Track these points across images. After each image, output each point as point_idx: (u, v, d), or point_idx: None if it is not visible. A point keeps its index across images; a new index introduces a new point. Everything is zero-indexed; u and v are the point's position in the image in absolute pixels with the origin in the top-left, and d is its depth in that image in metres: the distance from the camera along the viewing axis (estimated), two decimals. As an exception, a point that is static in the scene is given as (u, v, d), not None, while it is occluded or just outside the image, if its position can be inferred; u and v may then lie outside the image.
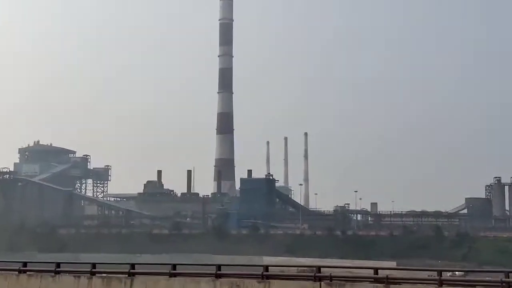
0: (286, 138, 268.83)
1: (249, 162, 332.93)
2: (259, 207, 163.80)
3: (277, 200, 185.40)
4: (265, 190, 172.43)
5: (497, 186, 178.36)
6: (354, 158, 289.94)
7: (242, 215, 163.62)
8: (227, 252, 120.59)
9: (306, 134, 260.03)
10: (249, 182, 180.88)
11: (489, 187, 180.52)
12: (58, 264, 25.64)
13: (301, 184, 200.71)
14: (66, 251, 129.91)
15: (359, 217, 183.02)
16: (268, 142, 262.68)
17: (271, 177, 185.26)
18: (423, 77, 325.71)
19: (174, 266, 23.55)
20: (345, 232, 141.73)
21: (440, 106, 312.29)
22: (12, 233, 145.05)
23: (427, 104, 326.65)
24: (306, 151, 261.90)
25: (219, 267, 22.71)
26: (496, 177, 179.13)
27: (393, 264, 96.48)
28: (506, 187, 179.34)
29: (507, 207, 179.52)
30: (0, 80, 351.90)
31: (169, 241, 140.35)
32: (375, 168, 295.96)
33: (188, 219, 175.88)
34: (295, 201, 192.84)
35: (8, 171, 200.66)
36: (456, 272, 69.03)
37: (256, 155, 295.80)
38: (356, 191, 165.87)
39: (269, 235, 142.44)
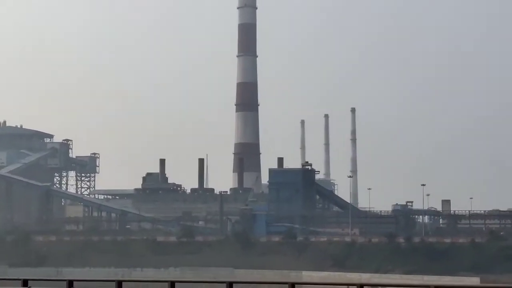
0: (327, 116, 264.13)
1: (279, 148, 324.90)
2: (295, 207, 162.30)
3: (317, 197, 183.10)
4: (301, 184, 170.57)
5: None
6: (418, 144, 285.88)
7: (272, 218, 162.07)
8: (254, 266, 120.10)
9: (353, 110, 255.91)
10: (280, 174, 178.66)
11: None
12: (25, 282, 23.81)
13: (350, 176, 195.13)
14: (45, 265, 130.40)
15: (426, 219, 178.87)
16: (303, 122, 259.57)
17: (309, 168, 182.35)
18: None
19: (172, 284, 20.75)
20: (411, 239, 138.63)
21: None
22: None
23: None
24: (353, 133, 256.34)
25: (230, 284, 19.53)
26: None
27: (476, 280, 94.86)
28: None
29: None
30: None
31: (178, 252, 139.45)
32: (446, 157, 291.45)
33: (201, 222, 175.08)
34: (341, 198, 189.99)
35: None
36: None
37: (287, 138, 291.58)
38: (423, 185, 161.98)
39: (309, 243, 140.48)
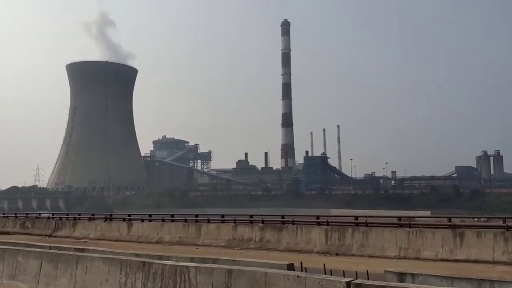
0: (338, 126, 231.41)
1: (305, 146, 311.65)
2: (318, 176, 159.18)
3: (328, 170, 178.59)
4: (320, 164, 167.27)
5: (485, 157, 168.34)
6: (374, 143, 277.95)
7: (307, 181, 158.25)
8: (303, 207, 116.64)
9: (338, 126, 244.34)
10: (310, 158, 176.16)
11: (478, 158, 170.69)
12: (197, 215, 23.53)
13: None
14: (196, 207, 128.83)
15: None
16: (324, 130, 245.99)
17: (324, 155, 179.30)
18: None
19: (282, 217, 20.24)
20: (387, 191, 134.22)
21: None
22: (157, 196, 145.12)
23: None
24: (338, 138, 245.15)
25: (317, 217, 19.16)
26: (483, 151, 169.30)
27: (427, 213, 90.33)
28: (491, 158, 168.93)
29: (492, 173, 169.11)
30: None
31: (261, 199, 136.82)
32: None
33: (268, 185, 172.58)
34: (340, 171, 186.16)
35: (148, 155, 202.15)
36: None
37: (308, 141, 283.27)
38: (387, 163, 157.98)
39: (331, 194, 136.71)
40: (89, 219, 24.92)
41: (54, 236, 23.00)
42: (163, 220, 21.98)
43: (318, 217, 19.12)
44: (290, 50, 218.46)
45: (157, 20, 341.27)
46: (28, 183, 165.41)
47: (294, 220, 18.46)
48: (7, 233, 26.84)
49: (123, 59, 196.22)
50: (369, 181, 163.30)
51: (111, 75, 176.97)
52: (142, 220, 22.47)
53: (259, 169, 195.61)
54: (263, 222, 18.55)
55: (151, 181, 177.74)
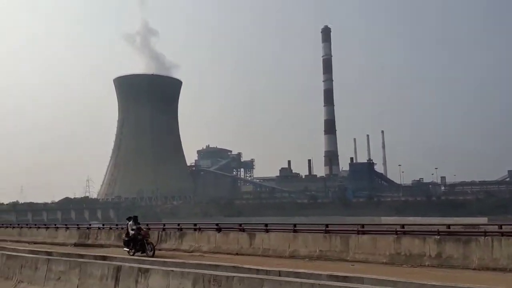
0: (383, 132, 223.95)
1: (348, 153, 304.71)
2: (365, 183, 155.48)
3: (375, 177, 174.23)
4: (366, 171, 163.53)
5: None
6: (420, 148, 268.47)
7: (354, 188, 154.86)
8: (352, 215, 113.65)
9: (382, 132, 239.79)
10: (355, 165, 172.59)
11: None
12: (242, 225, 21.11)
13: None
14: (241, 215, 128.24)
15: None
16: (368, 136, 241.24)
17: (371, 161, 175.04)
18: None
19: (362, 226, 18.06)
20: (439, 197, 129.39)
21: None
22: (204, 205, 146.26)
23: None
24: (383, 143, 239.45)
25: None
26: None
27: (485, 220, 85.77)
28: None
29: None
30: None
31: (307, 208, 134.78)
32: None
33: (313, 192, 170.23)
34: (387, 177, 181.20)
35: (193, 165, 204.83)
36: None
37: (350, 148, 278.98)
38: (436, 168, 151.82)
39: (380, 202, 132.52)
40: (199, 229, 21.96)
41: (159, 249, 20.07)
42: (295, 231, 18.75)
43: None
44: (331, 56, 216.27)
45: (197, 31, 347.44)
46: (78, 195, 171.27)
47: (486, 231, 15.27)
48: (101, 246, 24.97)
49: (167, 69, 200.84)
50: (418, 188, 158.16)
51: (157, 88, 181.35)
52: (267, 231, 19.37)
53: (303, 176, 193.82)
54: (438, 233, 15.69)
55: (196, 190, 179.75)
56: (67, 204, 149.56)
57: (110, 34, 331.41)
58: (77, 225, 31.81)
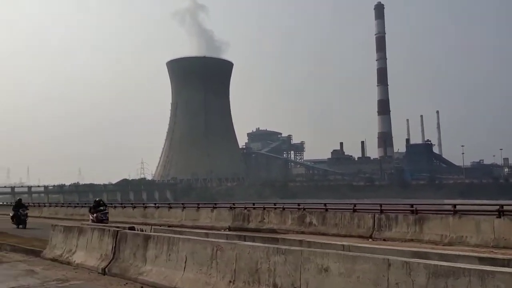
0: (438, 112, 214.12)
1: (401, 134, 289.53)
2: (423, 165, 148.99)
3: (433, 159, 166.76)
4: (425, 152, 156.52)
5: None
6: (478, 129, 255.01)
7: (411, 170, 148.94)
8: (411, 197, 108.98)
9: (437, 112, 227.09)
10: (412, 146, 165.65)
11: None
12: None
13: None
14: (296, 197, 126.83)
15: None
16: (422, 116, 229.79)
17: (429, 142, 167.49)
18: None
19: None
20: (508, 179, 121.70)
21: None
22: (258, 186, 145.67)
23: None
24: (438, 124, 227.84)
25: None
26: None
27: None
28: None
29: None
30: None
31: (364, 190, 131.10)
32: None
33: (367, 174, 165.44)
34: (445, 158, 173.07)
35: (245, 147, 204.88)
36: None
37: (403, 129, 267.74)
38: (501, 149, 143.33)
39: (441, 184, 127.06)
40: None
41: (384, 239, 15.59)
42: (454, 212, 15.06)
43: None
44: (385, 34, 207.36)
45: (249, 9, 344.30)
46: (133, 176, 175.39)
47: None
48: (273, 230, 19.67)
49: (217, 48, 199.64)
50: (478, 170, 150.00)
51: (209, 70, 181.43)
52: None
53: (356, 158, 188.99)
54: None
55: (249, 172, 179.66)
56: (125, 185, 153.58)
57: (162, 13, 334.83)
58: (233, 204, 26.28)
